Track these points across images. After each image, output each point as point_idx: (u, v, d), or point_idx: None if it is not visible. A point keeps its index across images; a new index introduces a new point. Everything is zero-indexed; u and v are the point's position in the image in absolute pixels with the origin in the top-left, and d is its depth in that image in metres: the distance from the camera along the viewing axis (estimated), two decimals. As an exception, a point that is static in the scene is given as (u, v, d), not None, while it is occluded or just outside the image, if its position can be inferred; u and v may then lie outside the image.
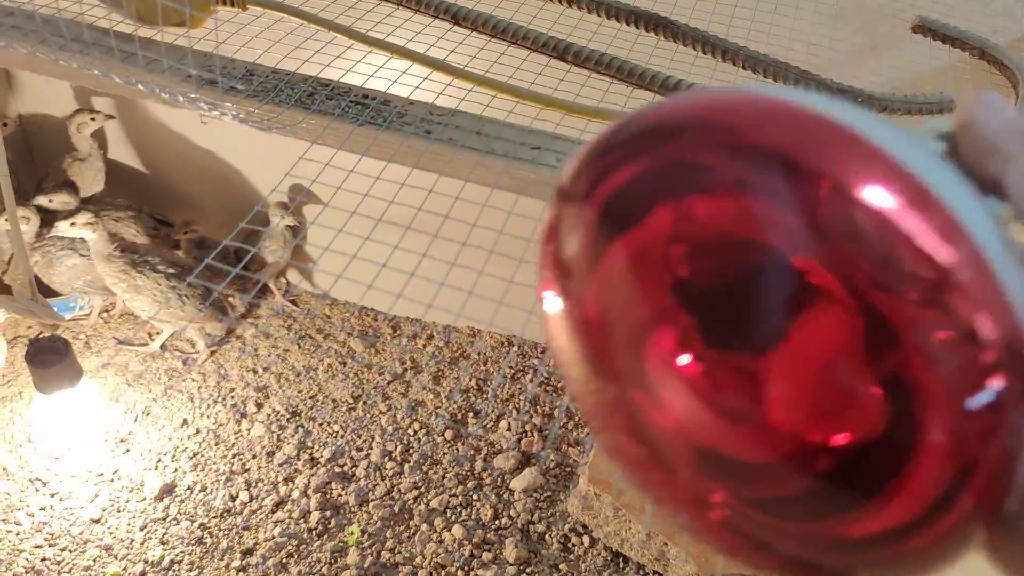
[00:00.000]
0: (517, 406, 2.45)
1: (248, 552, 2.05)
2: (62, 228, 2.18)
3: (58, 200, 2.47)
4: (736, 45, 1.38)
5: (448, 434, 2.37)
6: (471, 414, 2.43)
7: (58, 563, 1.99)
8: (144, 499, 2.15)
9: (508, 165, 1.09)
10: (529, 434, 2.38)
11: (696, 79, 1.33)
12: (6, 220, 2.19)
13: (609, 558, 2.08)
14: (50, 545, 2.03)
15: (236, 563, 2.03)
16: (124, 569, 1.99)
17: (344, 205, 1.07)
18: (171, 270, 2.32)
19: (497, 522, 2.15)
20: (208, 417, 2.38)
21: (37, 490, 2.15)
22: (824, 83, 1.32)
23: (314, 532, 2.11)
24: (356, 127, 1.13)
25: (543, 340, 2.61)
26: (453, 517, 2.16)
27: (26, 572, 1.96)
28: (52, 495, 2.14)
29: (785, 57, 1.39)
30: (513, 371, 2.56)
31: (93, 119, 2.56)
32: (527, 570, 2.05)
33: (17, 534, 2.04)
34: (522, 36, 1.35)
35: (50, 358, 1.90)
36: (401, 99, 1.20)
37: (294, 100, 1.18)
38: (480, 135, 1.14)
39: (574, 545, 2.11)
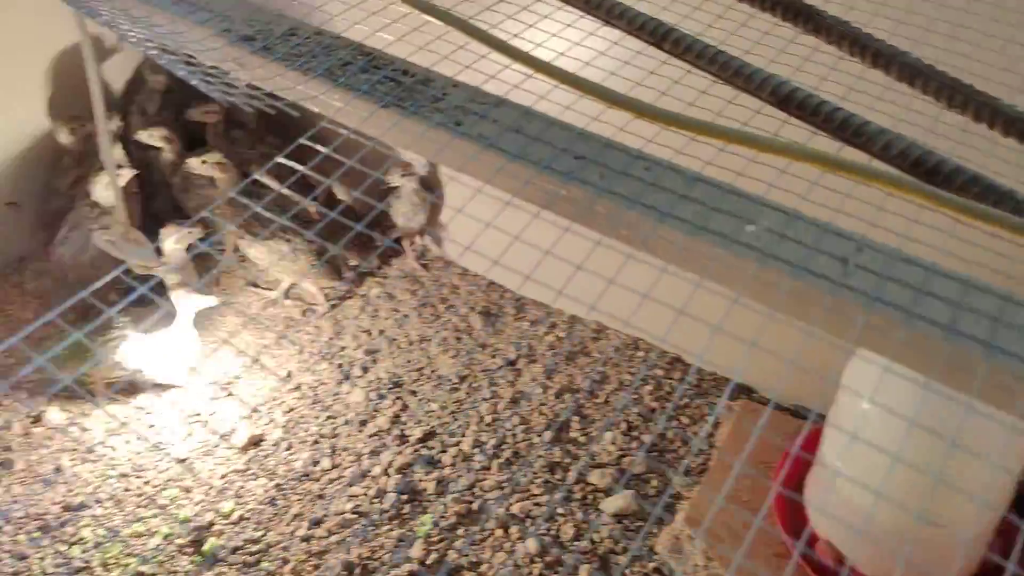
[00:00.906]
0: (629, 419, 2.23)
1: (316, 523, 1.99)
2: (192, 164, 2.18)
3: (201, 110, 2.50)
4: (895, 49, 1.08)
5: (547, 435, 2.19)
6: (577, 418, 2.24)
7: (138, 496, 2.01)
8: (231, 447, 2.14)
9: (536, 175, 0.88)
10: (634, 452, 2.15)
11: (829, 89, 1.04)
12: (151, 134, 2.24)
13: (689, 613, 1.84)
14: (136, 476, 2.06)
15: (301, 532, 1.97)
16: (195, 515, 1.98)
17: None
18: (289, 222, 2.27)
19: (577, 543, 1.96)
20: (312, 373, 2.34)
21: (139, 419, 2.19)
22: (1001, 111, 0.99)
23: (386, 515, 2.01)
24: (378, 108, 0.96)
25: (675, 350, 2.36)
26: (532, 528, 2.00)
27: (107, 499, 1.99)
28: (150, 427, 2.17)
29: (963, 70, 1.07)
30: (633, 379, 2.33)
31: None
32: (594, 606, 1.86)
33: (110, 459, 2.08)
34: (617, 14, 1.11)
35: (142, 297, 1.89)
36: (445, 79, 1.01)
37: (323, 69, 1.02)
38: (518, 134, 0.93)
39: (654, 589, 1.88)
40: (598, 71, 1.08)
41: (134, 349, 2.15)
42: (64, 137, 2.32)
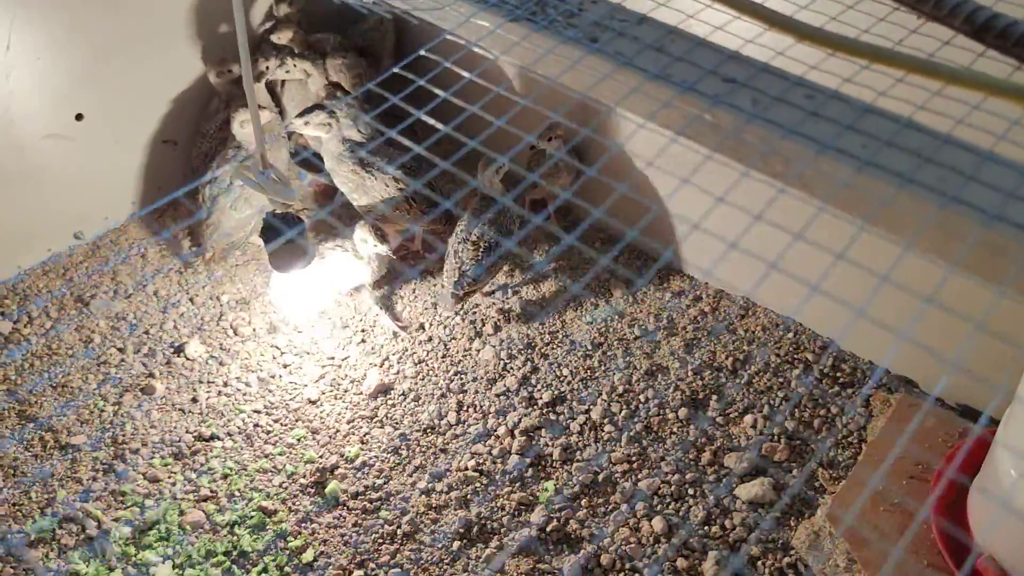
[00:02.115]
0: (772, 402, 2.07)
1: (437, 477, 1.95)
2: (296, 124, 2.16)
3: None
4: None
5: (682, 412, 2.06)
6: (715, 397, 2.10)
7: (267, 433, 2.04)
8: (360, 393, 2.14)
9: (677, 96, 0.77)
10: (775, 439, 2.00)
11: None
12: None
13: (824, 616, 1.69)
14: (267, 414, 2.09)
15: (422, 484, 1.94)
16: (320, 456, 1.99)
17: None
18: (399, 172, 2.23)
19: (706, 528, 1.84)
20: (444, 327, 2.31)
21: (274, 358, 2.22)
22: None
23: (508, 477, 1.95)
24: (504, 22, 0.87)
25: (828, 334, 2.17)
26: (659, 507, 1.89)
27: (238, 432, 2.03)
28: (284, 366, 2.20)
29: None
30: (780, 360, 2.17)
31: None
32: (719, 596, 1.73)
33: (244, 394, 2.12)
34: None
35: (279, 235, 1.90)
36: (585, -5, 0.92)
37: (454, -18, 0.94)
38: (660, 53, 0.82)
39: (786, 585, 1.74)
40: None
41: (274, 286, 2.18)
42: (213, 79, 2.37)
